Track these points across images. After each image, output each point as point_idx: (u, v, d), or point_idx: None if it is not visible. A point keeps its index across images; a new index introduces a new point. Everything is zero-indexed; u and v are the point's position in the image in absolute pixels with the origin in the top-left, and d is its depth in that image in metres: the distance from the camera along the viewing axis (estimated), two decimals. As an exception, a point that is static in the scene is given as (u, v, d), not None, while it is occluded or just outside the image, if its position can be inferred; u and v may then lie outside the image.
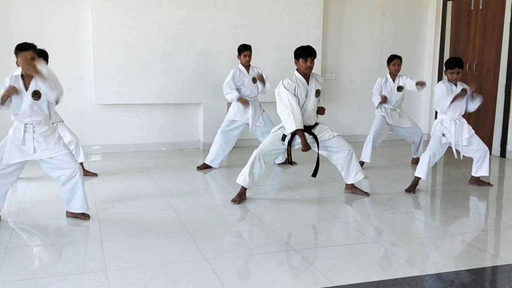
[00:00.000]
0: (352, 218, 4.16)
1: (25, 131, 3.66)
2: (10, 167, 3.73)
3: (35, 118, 3.66)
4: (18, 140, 3.68)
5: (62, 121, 5.08)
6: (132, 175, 5.45)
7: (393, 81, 5.74)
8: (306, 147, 4.34)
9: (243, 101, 5.51)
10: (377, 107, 5.79)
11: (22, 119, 3.65)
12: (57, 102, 3.74)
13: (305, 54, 4.27)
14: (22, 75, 3.65)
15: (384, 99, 5.69)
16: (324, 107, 4.58)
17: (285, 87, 4.26)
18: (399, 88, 5.72)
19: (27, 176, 5.14)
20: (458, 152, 4.82)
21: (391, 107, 5.74)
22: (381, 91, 5.73)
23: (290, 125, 4.23)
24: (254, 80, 5.57)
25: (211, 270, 2.99)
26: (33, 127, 3.68)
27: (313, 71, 4.44)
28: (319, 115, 4.53)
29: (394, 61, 5.71)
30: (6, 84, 3.59)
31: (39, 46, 4.71)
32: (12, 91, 3.56)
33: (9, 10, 6.09)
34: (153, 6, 6.44)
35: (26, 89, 3.61)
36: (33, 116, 3.65)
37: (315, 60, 4.35)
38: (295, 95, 4.26)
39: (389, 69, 5.77)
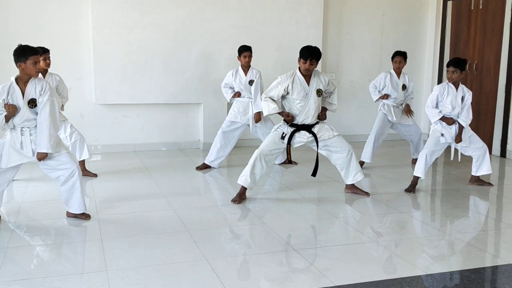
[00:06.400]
0: (352, 218, 4.16)
1: (22, 135, 3.66)
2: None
3: (32, 122, 3.65)
4: (16, 143, 3.67)
5: (66, 119, 5.08)
6: (132, 175, 5.45)
7: (398, 77, 5.67)
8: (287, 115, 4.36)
9: (237, 94, 5.58)
10: (379, 104, 5.75)
11: (18, 124, 3.64)
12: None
13: (306, 55, 4.25)
14: (15, 79, 3.62)
15: (385, 96, 5.65)
16: (331, 108, 4.59)
17: (278, 82, 4.34)
18: (404, 87, 5.68)
19: (27, 176, 5.14)
20: (456, 151, 4.84)
21: (394, 104, 5.68)
22: (381, 89, 5.69)
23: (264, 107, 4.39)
24: (250, 82, 5.55)
25: (211, 270, 2.99)
26: (29, 130, 3.66)
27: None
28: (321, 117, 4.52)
29: (396, 58, 5.65)
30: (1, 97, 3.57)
31: (39, 46, 4.74)
32: (13, 111, 3.56)
33: (9, 10, 6.09)
34: (153, 6, 6.44)
35: (23, 93, 3.59)
36: (29, 121, 3.64)
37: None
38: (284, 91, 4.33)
39: (392, 66, 5.73)
